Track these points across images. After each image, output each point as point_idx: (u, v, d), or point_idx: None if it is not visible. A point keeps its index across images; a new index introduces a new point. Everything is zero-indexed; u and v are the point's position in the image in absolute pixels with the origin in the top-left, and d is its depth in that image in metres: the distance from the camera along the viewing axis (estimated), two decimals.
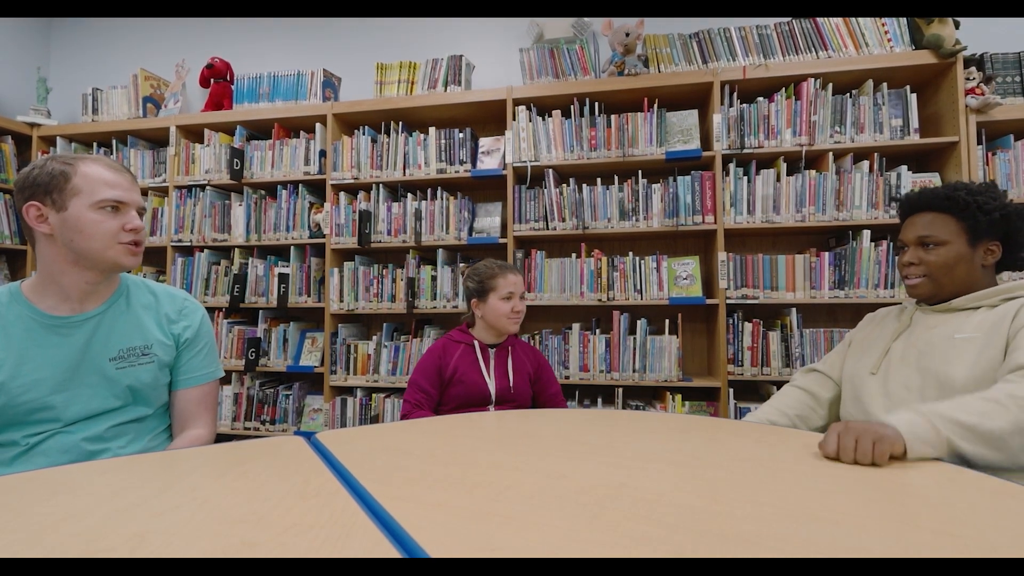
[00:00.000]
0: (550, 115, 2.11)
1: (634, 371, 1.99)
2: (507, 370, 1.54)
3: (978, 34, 1.98)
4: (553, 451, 0.80)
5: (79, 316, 0.97)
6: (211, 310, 2.33)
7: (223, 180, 2.36)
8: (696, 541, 0.50)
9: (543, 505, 0.59)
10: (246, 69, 2.62)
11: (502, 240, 2.11)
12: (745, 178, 1.95)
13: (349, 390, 2.26)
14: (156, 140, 2.59)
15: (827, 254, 1.90)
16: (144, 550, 0.48)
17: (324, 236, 2.26)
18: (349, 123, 2.37)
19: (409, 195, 2.22)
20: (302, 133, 2.34)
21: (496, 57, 2.48)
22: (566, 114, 2.10)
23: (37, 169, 0.92)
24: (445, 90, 2.25)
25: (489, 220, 2.22)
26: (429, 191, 2.20)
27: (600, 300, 2.02)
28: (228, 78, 2.51)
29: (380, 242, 2.22)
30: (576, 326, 2.07)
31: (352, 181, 2.25)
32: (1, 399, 0.90)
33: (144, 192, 2.47)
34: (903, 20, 1.93)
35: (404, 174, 2.22)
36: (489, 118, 2.33)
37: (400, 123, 2.26)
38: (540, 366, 1.62)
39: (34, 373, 0.93)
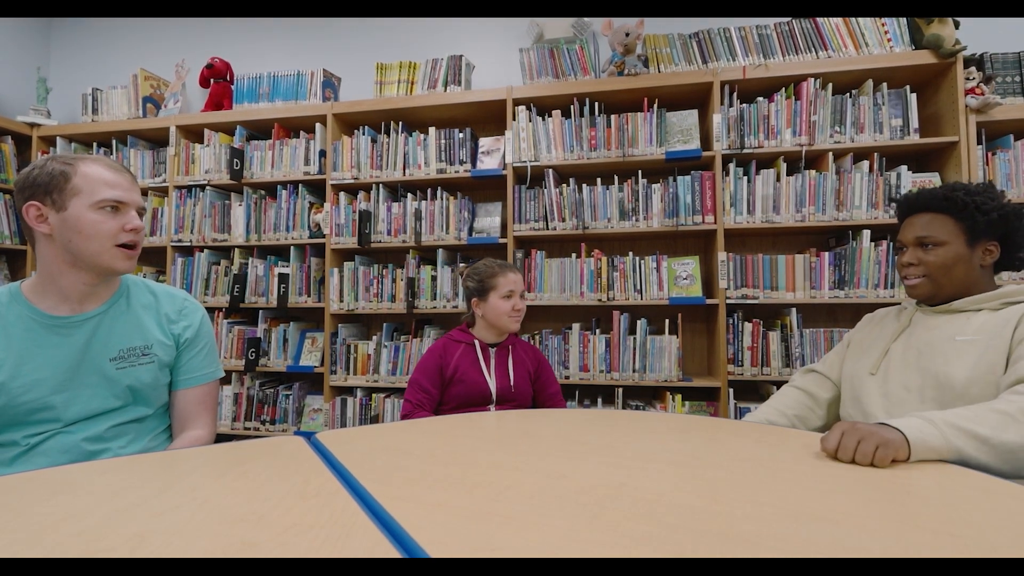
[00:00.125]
0: (550, 115, 2.11)
1: (634, 371, 1.99)
2: (508, 369, 1.54)
3: (978, 34, 1.98)
4: (553, 451, 0.80)
5: (79, 316, 0.97)
6: (211, 310, 2.33)
7: (223, 180, 2.36)
8: (696, 541, 0.50)
9: (543, 505, 0.59)
10: (246, 69, 2.62)
11: (502, 240, 2.11)
12: (745, 178, 1.95)
13: (349, 390, 2.26)
14: (156, 140, 2.59)
15: (827, 254, 1.90)
16: (144, 550, 0.48)
17: (324, 236, 2.26)
18: (349, 123, 2.37)
19: (409, 195, 2.22)
20: (302, 133, 2.34)
21: (496, 57, 2.48)
22: (566, 114, 2.10)
23: (37, 169, 0.92)
24: (445, 90, 2.25)
25: (489, 220, 2.22)
26: (429, 191, 2.20)
27: (600, 300, 2.02)
28: (228, 78, 2.51)
29: (380, 242, 2.22)
30: (576, 326, 2.07)
31: (352, 181, 2.25)
32: (1, 399, 0.90)
33: (144, 192, 2.47)
34: (903, 20, 1.93)
35: (404, 174, 2.22)
36: (489, 118, 2.33)
37: (400, 123, 2.26)
38: (540, 364, 1.63)
39: (34, 373, 0.93)
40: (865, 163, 1.88)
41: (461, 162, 2.18)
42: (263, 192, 2.41)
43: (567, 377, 2.04)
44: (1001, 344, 0.94)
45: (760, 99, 1.98)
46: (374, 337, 2.23)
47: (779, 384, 1.83)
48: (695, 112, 2.06)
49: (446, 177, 2.19)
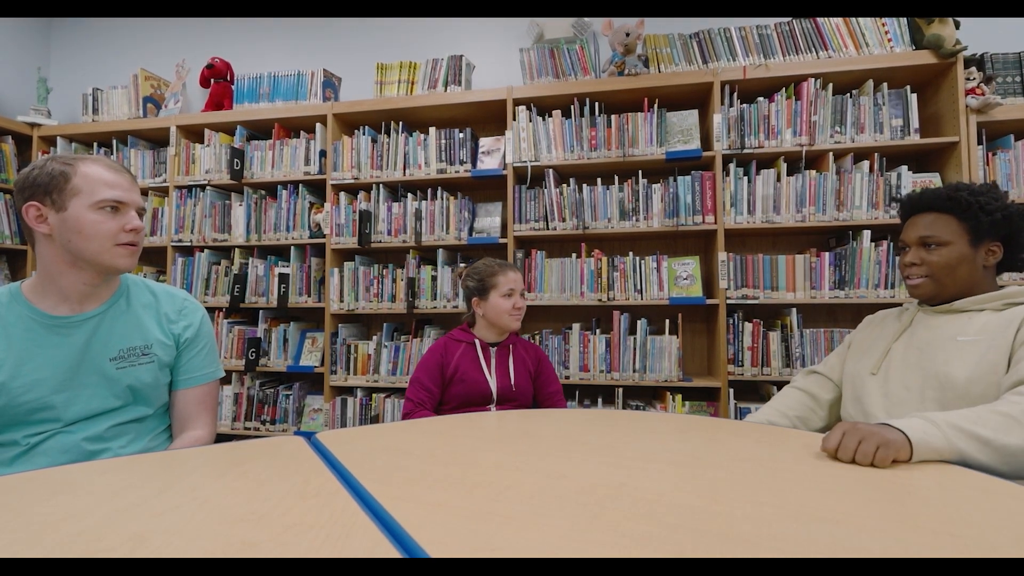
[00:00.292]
0: (550, 115, 2.11)
1: (634, 371, 1.99)
2: (508, 369, 1.54)
3: (978, 34, 1.98)
4: (553, 451, 0.80)
5: (79, 316, 0.97)
6: (211, 310, 2.33)
7: (223, 180, 2.36)
8: (696, 541, 0.50)
9: (543, 505, 0.59)
10: (246, 69, 2.62)
11: (502, 240, 2.11)
12: (745, 178, 1.95)
13: (349, 390, 2.26)
14: (156, 140, 2.59)
15: (827, 254, 1.90)
16: (144, 550, 0.48)
17: (324, 236, 2.26)
18: (349, 123, 2.37)
19: (409, 195, 2.22)
20: (302, 133, 2.34)
21: (496, 57, 2.48)
22: (566, 114, 2.10)
23: (37, 169, 0.92)
24: (445, 90, 2.25)
25: (489, 220, 2.22)
26: (429, 191, 2.20)
27: (600, 300, 2.02)
28: (228, 78, 2.51)
29: (380, 242, 2.22)
30: (576, 326, 2.07)
31: (352, 181, 2.25)
32: (2, 399, 0.90)
33: (144, 192, 2.47)
34: (903, 20, 1.93)
35: (404, 174, 2.22)
36: (489, 118, 2.33)
37: (400, 123, 2.26)
38: (541, 362, 1.63)
39: (34, 373, 0.93)
40: (865, 163, 1.88)
41: (461, 162, 2.18)
42: (263, 192, 2.41)
43: (567, 377, 2.04)
44: (1003, 344, 0.94)
45: (760, 99, 1.98)
46: (374, 337, 2.23)
47: (779, 384, 1.84)
48: (695, 112, 2.06)
49: (446, 177, 2.19)
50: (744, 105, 1.97)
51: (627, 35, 2.00)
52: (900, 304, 1.39)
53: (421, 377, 1.50)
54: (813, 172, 1.91)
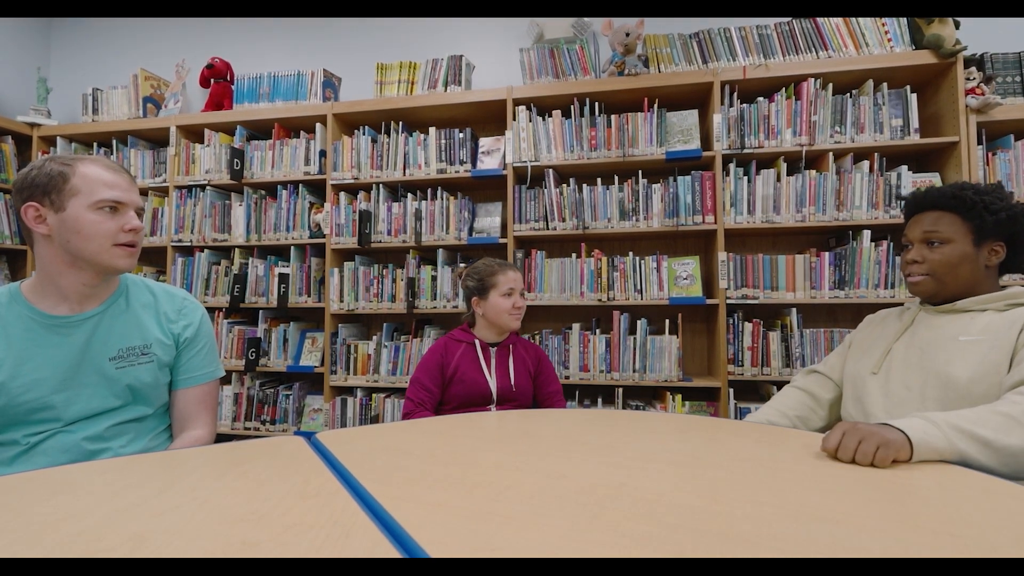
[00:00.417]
0: (550, 115, 2.11)
1: (634, 371, 1.99)
2: (508, 369, 1.54)
3: (978, 34, 1.98)
4: (553, 451, 0.80)
5: (78, 316, 0.97)
6: (211, 310, 2.33)
7: (223, 180, 2.36)
8: (696, 541, 0.50)
9: (543, 505, 0.59)
10: (246, 69, 2.62)
11: (502, 240, 2.11)
12: (745, 178, 1.95)
13: (349, 390, 2.26)
14: (156, 140, 2.59)
15: (827, 254, 1.90)
16: (144, 550, 0.48)
17: (324, 236, 2.26)
18: (349, 123, 2.37)
19: (409, 195, 2.22)
20: (302, 133, 2.35)
21: (496, 57, 2.48)
22: (566, 114, 2.10)
23: (35, 170, 0.92)
24: (445, 90, 2.25)
25: (489, 220, 2.22)
26: (429, 191, 2.20)
27: (600, 300, 2.02)
28: (228, 78, 2.51)
29: (380, 242, 2.22)
30: (576, 326, 2.07)
31: (352, 181, 2.25)
32: (1, 399, 0.90)
33: (144, 192, 2.47)
34: (903, 20, 1.93)
35: (404, 174, 2.22)
36: (489, 118, 2.33)
37: (400, 123, 2.26)
38: (541, 362, 1.63)
39: (34, 373, 0.93)
40: (865, 163, 1.88)
41: (461, 162, 2.18)
42: (263, 192, 2.41)
43: (567, 377, 2.04)
44: (1006, 345, 0.94)
45: (760, 99, 1.98)
46: (374, 337, 2.23)
47: (779, 384, 1.84)
48: (695, 112, 2.06)
49: (446, 177, 2.19)
50: (744, 105, 1.97)
51: (627, 35, 2.00)
52: (900, 304, 1.39)
53: (421, 377, 1.50)
54: (813, 172, 1.91)
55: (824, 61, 1.93)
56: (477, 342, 1.55)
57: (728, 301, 1.94)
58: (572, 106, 2.09)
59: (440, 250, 2.17)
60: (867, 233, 1.85)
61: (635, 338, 2.00)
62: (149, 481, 0.66)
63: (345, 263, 2.25)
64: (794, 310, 1.91)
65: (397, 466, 0.73)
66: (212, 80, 2.49)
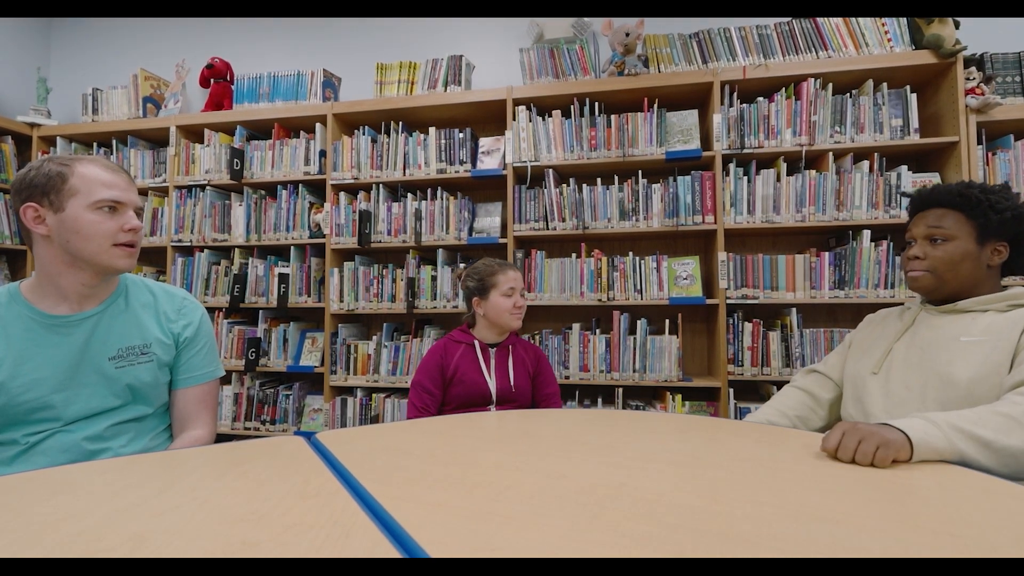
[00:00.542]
0: (550, 115, 2.11)
1: (634, 371, 1.99)
2: (508, 370, 1.54)
3: (978, 34, 1.98)
4: (553, 451, 0.80)
5: (78, 315, 0.97)
6: (211, 310, 2.33)
7: (223, 180, 2.36)
8: (696, 541, 0.50)
9: (543, 505, 0.59)
10: (246, 69, 2.62)
11: (502, 240, 2.11)
12: (745, 178, 1.95)
13: (349, 390, 2.26)
14: (156, 140, 2.59)
15: (827, 254, 1.90)
16: (144, 550, 0.48)
17: (324, 236, 2.26)
18: (349, 123, 2.37)
19: (409, 195, 2.22)
20: (302, 133, 2.34)
21: (496, 57, 2.48)
22: (566, 114, 2.10)
23: (34, 171, 0.92)
24: (445, 90, 2.25)
25: (489, 220, 2.22)
26: (429, 191, 2.20)
27: (600, 300, 2.02)
28: (228, 78, 2.51)
29: (380, 242, 2.22)
30: (576, 326, 2.07)
31: (352, 181, 2.25)
32: (1, 399, 0.90)
33: (144, 192, 2.47)
34: (903, 20, 1.93)
35: (404, 174, 2.22)
36: (489, 118, 2.33)
37: (400, 123, 2.26)
38: (540, 363, 1.63)
39: (34, 372, 0.93)
40: (865, 163, 1.88)
41: (461, 162, 2.18)
42: (263, 192, 2.41)
43: (567, 377, 2.04)
44: (1007, 345, 0.94)
45: (760, 99, 1.98)
46: (374, 337, 2.23)
47: (779, 384, 1.84)
48: (695, 112, 2.06)
49: (446, 177, 2.19)
50: (744, 105, 1.97)
51: (627, 35, 2.00)
52: (901, 303, 1.39)
53: (422, 380, 1.50)
54: (813, 172, 1.91)
55: (824, 61, 1.93)
56: (476, 343, 1.55)
57: (728, 301, 1.94)
58: (572, 106, 2.09)
59: (440, 250, 2.17)
60: (867, 233, 1.85)
61: (635, 338, 2.00)
62: (149, 481, 0.66)
63: (345, 263, 2.25)
64: (794, 310, 1.91)
65: (397, 466, 0.73)
66: (212, 80, 2.49)
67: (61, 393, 0.94)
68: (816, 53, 1.96)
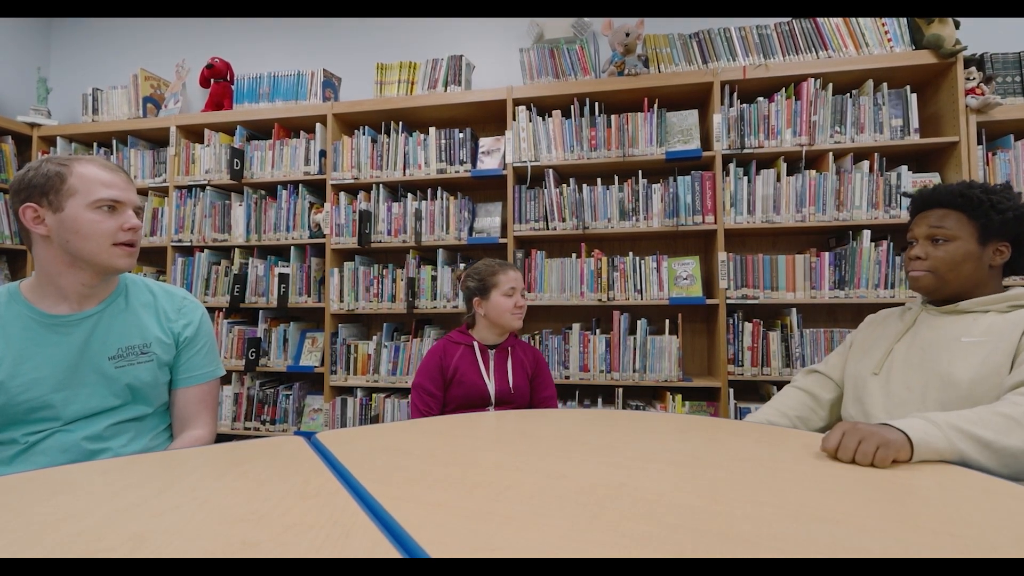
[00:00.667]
0: (550, 115, 2.11)
1: (634, 371, 1.99)
2: (507, 372, 1.54)
3: (978, 34, 1.98)
4: (553, 451, 0.80)
5: (77, 315, 0.97)
6: (211, 310, 2.33)
7: (223, 180, 2.36)
8: (696, 541, 0.50)
9: (543, 505, 0.59)
10: (246, 69, 2.62)
11: (502, 240, 2.11)
12: (745, 178, 1.95)
13: (349, 390, 2.26)
14: (156, 140, 2.59)
15: (827, 254, 1.90)
16: (144, 550, 0.48)
17: (324, 236, 2.26)
18: (349, 123, 2.37)
19: (409, 195, 2.22)
20: (302, 133, 2.34)
21: (496, 57, 2.48)
22: (566, 114, 2.10)
23: (32, 171, 0.92)
24: (445, 90, 2.25)
25: (489, 220, 2.22)
26: (429, 191, 2.20)
27: (600, 300, 2.02)
28: (228, 78, 2.51)
29: (380, 242, 2.22)
30: (576, 326, 2.07)
31: (352, 181, 2.25)
32: (1, 398, 0.90)
33: (144, 192, 2.47)
34: (903, 20, 1.93)
35: (404, 174, 2.22)
36: (489, 118, 2.33)
37: (400, 123, 2.26)
38: (538, 365, 1.62)
39: (33, 372, 0.93)
40: (865, 163, 1.88)
41: (461, 162, 2.18)
42: (263, 192, 2.41)
43: (567, 377, 2.04)
44: (1008, 346, 0.94)
45: (760, 99, 1.98)
46: (374, 337, 2.23)
47: (779, 384, 1.84)
48: (695, 112, 2.06)
49: (446, 177, 2.19)
50: (744, 105, 1.97)
51: (627, 35, 2.00)
52: (901, 304, 1.39)
53: (423, 382, 1.50)
54: (813, 172, 1.91)
55: (824, 61, 1.93)
56: (476, 344, 1.55)
57: (728, 301, 1.94)
58: (572, 106, 2.09)
59: (440, 250, 2.17)
60: (867, 233, 1.85)
61: (635, 338, 2.00)
62: (149, 481, 0.66)
63: (345, 263, 2.25)
64: (794, 310, 1.91)
65: (397, 466, 0.73)
66: (212, 80, 2.49)
67: (60, 393, 0.94)
68: (816, 53, 1.96)
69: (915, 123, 1.87)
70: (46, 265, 0.95)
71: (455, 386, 1.50)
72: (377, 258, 2.43)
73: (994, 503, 0.60)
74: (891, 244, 1.83)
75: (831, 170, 1.89)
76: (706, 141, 2.05)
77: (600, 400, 2.10)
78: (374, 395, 2.20)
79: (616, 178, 2.06)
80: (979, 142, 1.82)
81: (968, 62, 1.85)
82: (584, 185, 2.05)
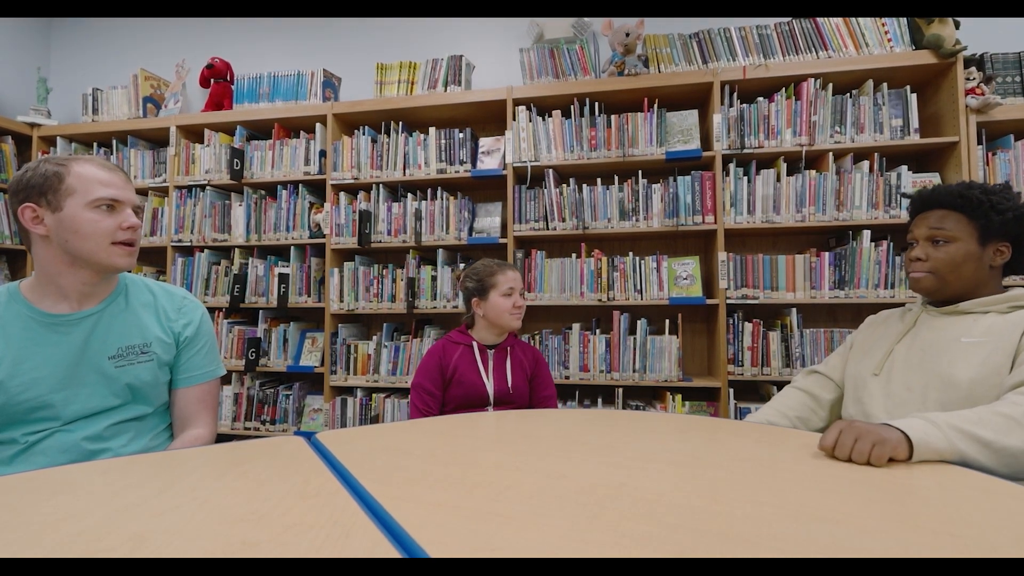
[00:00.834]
0: (550, 115, 2.11)
1: (634, 371, 1.99)
2: (506, 372, 1.54)
3: (978, 34, 1.98)
4: (553, 451, 0.80)
5: (77, 314, 0.97)
6: (211, 310, 2.33)
7: (223, 180, 2.36)
8: (696, 541, 0.50)
9: (543, 505, 0.59)
10: (246, 69, 2.62)
11: (502, 240, 2.11)
12: (745, 178, 1.95)
13: (349, 390, 2.26)
14: (156, 140, 2.59)
15: (827, 254, 1.90)
16: (144, 550, 0.48)
17: (324, 236, 2.26)
18: (349, 123, 2.37)
19: (409, 195, 2.22)
20: (302, 133, 2.34)
21: (496, 57, 2.48)
22: (566, 114, 2.10)
23: (31, 171, 0.92)
24: (445, 90, 2.25)
25: (489, 220, 2.22)
26: (429, 191, 2.20)
27: (600, 300, 2.02)
28: (228, 78, 2.51)
29: (380, 242, 2.22)
30: (576, 326, 2.07)
31: (352, 181, 2.25)
32: (0, 398, 0.90)
33: (144, 192, 2.47)
34: (903, 20, 1.93)
35: (404, 174, 2.22)
36: (489, 118, 2.33)
37: (400, 123, 2.26)
38: (538, 365, 1.62)
39: (33, 371, 0.93)
40: (865, 163, 1.88)
41: (461, 162, 2.18)
42: (263, 192, 2.41)
43: (567, 377, 2.04)
44: (1008, 347, 0.94)
45: (760, 99, 1.98)
46: (374, 337, 2.23)
47: (779, 384, 1.83)
48: (695, 112, 2.06)
49: (446, 177, 2.19)
50: (744, 105, 1.97)
51: (627, 35, 2.00)
52: (901, 304, 1.39)
53: (423, 382, 1.50)
54: (813, 172, 1.91)
55: (824, 61, 1.93)
56: (475, 344, 1.55)
57: (728, 301, 1.94)
58: (572, 106, 2.09)
59: (440, 250, 2.17)
60: (867, 233, 1.85)
61: (635, 338, 2.00)
62: (149, 481, 0.66)
63: (345, 263, 2.25)
64: (794, 310, 1.91)
65: (397, 466, 0.73)
66: (212, 80, 2.49)
67: (60, 392, 0.94)
68: (816, 53, 1.96)
69: (915, 123, 1.87)
70: (46, 265, 0.95)
71: (454, 386, 1.50)
72: (377, 258, 2.43)
73: (994, 503, 0.60)
74: (891, 244, 1.83)
75: (831, 170, 1.89)
76: (706, 141, 2.05)
77: (600, 400, 2.10)
78: (374, 395, 2.20)
79: (616, 178, 2.06)
80: (979, 142, 1.82)
81: (968, 62, 1.85)
82: (584, 185, 2.05)
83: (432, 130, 2.22)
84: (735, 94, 1.98)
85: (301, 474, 0.69)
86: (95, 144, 2.61)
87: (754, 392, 2.08)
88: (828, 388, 1.24)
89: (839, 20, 1.95)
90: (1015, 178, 1.82)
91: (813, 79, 1.91)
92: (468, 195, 2.29)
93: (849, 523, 0.54)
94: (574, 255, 2.07)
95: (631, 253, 2.05)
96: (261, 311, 2.34)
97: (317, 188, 2.38)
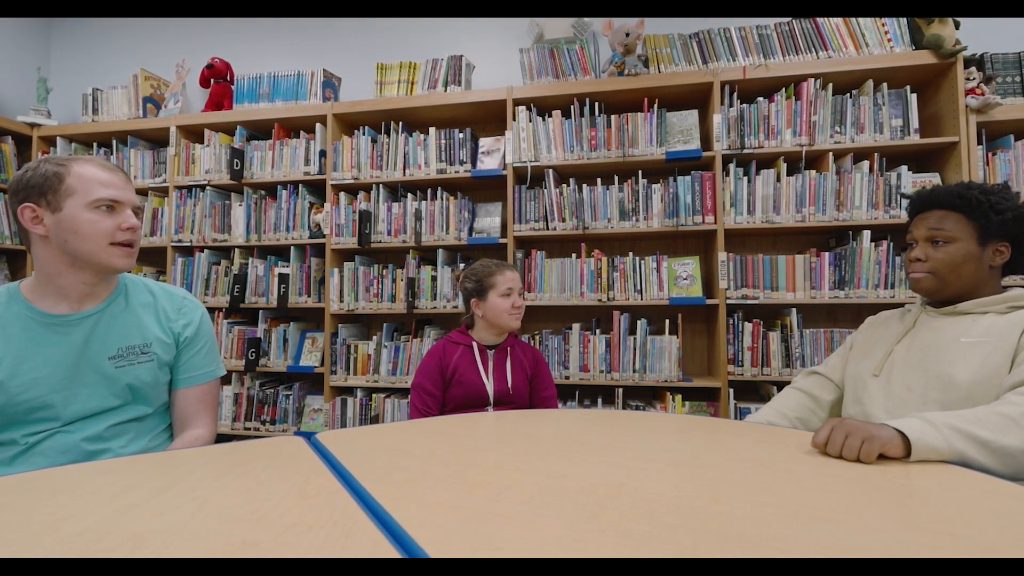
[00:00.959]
0: (550, 115, 2.11)
1: (634, 371, 1.99)
2: (506, 372, 1.54)
3: (978, 34, 1.98)
4: (553, 451, 0.80)
5: (77, 315, 0.97)
6: (211, 310, 2.33)
7: (223, 180, 2.36)
8: (696, 541, 0.50)
9: (543, 505, 0.59)
10: (246, 69, 2.62)
11: (502, 240, 2.11)
12: (745, 178, 1.95)
13: (349, 390, 2.26)
14: (156, 140, 2.59)
15: (827, 254, 1.90)
16: (144, 550, 0.48)
17: (324, 236, 2.26)
18: (349, 123, 2.37)
19: (409, 195, 2.22)
20: (302, 133, 2.34)
21: (496, 57, 2.48)
22: (566, 114, 2.10)
23: (30, 171, 0.92)
24: (445, 90, 2.25)
25: (489, 220, 2.22)
26: (429, 191, 2.20)
27: (600, 300, 2.02)
28: (228, 78, 2.51)
29: (380, 242, 2.22)
30: (576, 326, 2.07)
31: (352, 181, 2.25)
32: (0, 398, 0.90)
33: (144, 192, 2.47)
34: (903, 20, 1.93)
35: (404, 174, 2.22)
36: (489, 118, 2.33)
37: (400, 123, 2.26)
38: (538, 365, 1.62)
39: (33, 372, 0.93)
40: (865, 163, 1.88)
41: (461, 162, 2.18)
42: (263, 192, 2.41)
43: (567, 377, 2.04)
44: (1007, 347, 0.94)
45: (760, 99, 1.98)
46: (374, 337, 2.23)
47: (779, 384, 1.83)
48: (695, 112, 2.06)
49: (446, 177, 2.19)
50: (744, 105, 1.97)
51: (627, 35, 2.00)
52: (901, 304, 1.39)
53: (423, 382, 1.50)
54: (813, 172, 1.91)
55: (824, 61, 1.93)
56: (475, 344, 1.55)
57: (728, 301, 1.94)
58: (572, 106, 2.09)
59: (440, 250, 2.17)
60: (867, 233, 1.85)
61: (635, 338, 2.00)
62: (149, 481, 0.66)
63: (345, 263, 2.25)
64: (794, 310, 1.91)
65: (397, 466, 0.73)
66: (212, 80, 2.49)
67: (60, 393, 0.94)
68: (816, 53, 1.96)
69: (915, 123, 1.87)
70: (45, 265, 0.95)
71: (454, 386, 1.50)
72: (377, 258, 2.43)
73: (994, 503, 0.60)
74: (891, 244, 1.83)
75: (831, 170, 1.89)
76: (706, 141, 2.05)
77: (600, 400, 2.10)
78: (374, 395, 2.20)
79: (616, 178, 2.06)
80: (979, 142, 1.82)
81: (968, 62, 1.85)
82: (584, 185, 2.05)
83: (432, 130, 2.22)
84: (735, 94, 1.98)
85: (301, 474, 0.69)
86: (95, 144, 2.61)
87: (754, 392, 2.08)
88: (828, 389, 1.24)
89: (839, 20, 1.95)
90: (1015, 178, 1.82)
91: (813, 79, 1.91)
92: (468, 195, 2.29)
93: (849, 523, 0.54)
94: (574, 255, 2.07)
95: (631, 253, 2.05)
96: (261, 311, 2.34)
97: (317, 188, 2.38)
